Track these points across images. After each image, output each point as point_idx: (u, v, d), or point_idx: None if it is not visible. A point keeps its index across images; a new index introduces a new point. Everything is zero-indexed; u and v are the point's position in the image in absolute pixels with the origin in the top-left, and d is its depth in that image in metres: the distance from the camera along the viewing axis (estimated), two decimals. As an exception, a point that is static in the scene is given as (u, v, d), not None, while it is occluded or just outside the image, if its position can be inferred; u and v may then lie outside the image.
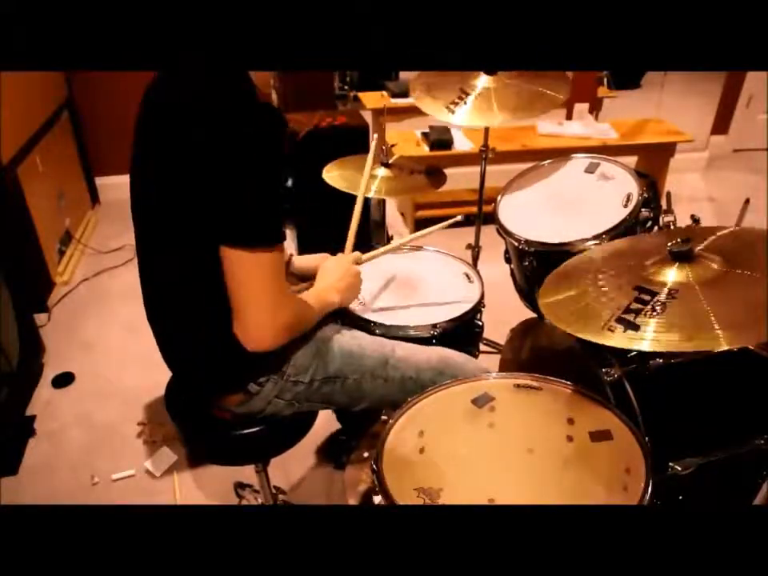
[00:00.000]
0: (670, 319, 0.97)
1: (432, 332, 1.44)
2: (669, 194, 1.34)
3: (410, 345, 1.35)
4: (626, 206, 1.51)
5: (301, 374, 1.23)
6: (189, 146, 0.98)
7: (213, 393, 1.23)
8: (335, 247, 1.57)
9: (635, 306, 1.02)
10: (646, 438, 1.02)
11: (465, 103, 1.80)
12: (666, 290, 1.02)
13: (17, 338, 2.20)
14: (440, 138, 3.01)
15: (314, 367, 1.24)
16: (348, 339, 1.30)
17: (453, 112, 1.79)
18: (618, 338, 0.98)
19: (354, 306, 1.51)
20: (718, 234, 1.14)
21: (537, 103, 1.78)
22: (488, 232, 1.94)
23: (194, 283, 1.09)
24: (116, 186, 3.58)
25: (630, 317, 1.00)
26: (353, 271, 1.38)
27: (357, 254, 1.45)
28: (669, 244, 1.06)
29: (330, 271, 1.35)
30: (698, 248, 1.07)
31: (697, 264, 1.05)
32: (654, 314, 0.99)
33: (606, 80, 3.46)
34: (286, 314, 1.08)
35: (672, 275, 1.04)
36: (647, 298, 1.02)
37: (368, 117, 3.03)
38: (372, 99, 3.37)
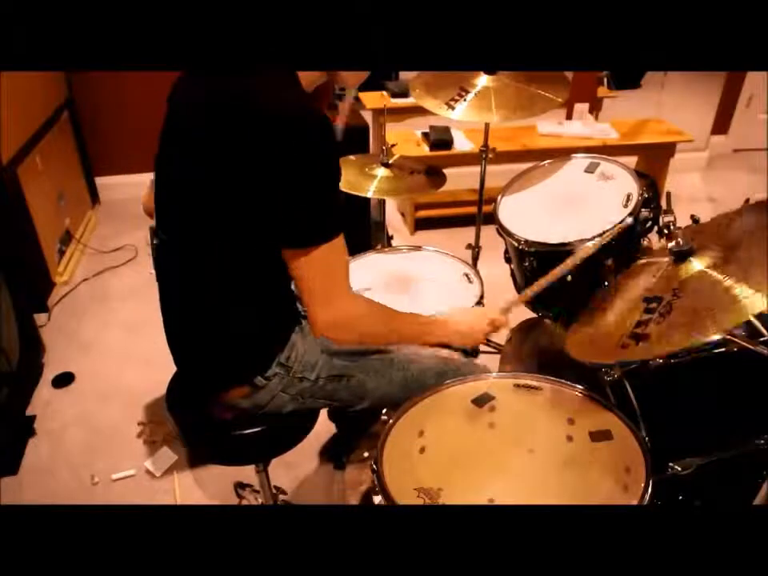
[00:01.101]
0: (675, 318, 0.97)
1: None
2: (669, 194, 1.34)
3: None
4: (625, 206, 1.51)
5: (307, 370, 1.23)
6: (241, 149, 0.99)
7: (220, 384, 1.23)
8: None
9: (645, 317, 1.03)
10: (646, 438, 1.02)
11: (464, 100, 1.80)
12: (670, 291, 1.03)
13: (17, 337, 2.19)
14: (440, 138, 3.01)
15: (321, 364, 1.25)
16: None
17: (452, 108, 1.79)
18: (634, 352, 1.00)
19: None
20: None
21: (536, 103, 1.78)
22: (488, 232, 1.94)
23: (210, 276, 1.12)
24: (116, 186, 3.58)
25: (640, 329, 1.01)
26: (481, 325, 1.32)
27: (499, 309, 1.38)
28: (669, 245, 1.06)
29: (464, 313, 1.36)
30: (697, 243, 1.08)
31: (698, 257, 1.05)
32: (662, 318, 0.99)
33: (606, 80, 3.45)
34: (338, 311, 1.09)
35: (676, 275, 1.05)
36: (654, 306, 1.03)
37: (368, 117, 3.04)
38: (372, 99, 3.37)
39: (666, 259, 1.08)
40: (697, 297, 0.99)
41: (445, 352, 1.35)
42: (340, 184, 1.06)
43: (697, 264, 1.05)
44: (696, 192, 3.79)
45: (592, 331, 1.16)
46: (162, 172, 1.16)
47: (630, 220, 1.42)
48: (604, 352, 1.07)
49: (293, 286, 1.19)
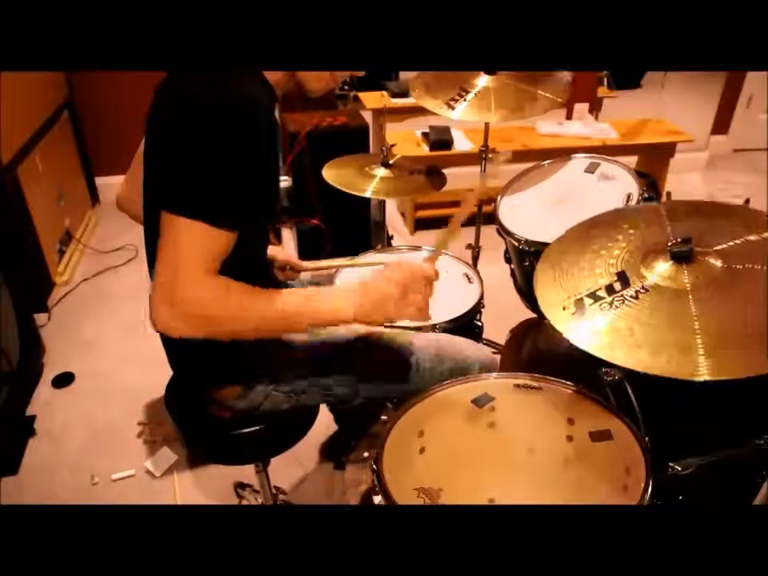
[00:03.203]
0: (613, 320, 0.98)
1: (432, 332, 1.44)
2: (669, 194, 1.34)
3: (408, 333, 1.35)
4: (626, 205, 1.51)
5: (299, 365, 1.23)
6: (172, 123, 0.99)
7: (211, 382, 1.23)
8: (335, 247, 1.57)
9: (601, 293, 1.03)
10: (646, 438, 1.02)
11: (464, 100, 1.80)
12: (639, 284, 1.03)
13: (17, 337, 2.19)
14: (440, 138, 3.00)
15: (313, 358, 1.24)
16: (347, 329, 1.30)
17: (452, 108, 1.79)
18: (561, 319, 1.00)
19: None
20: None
21: (536, 103, 1.78)
22: (488, 232, 1.94)
23: None
24: (116, 186, 3.53)
25: (589, 303, 1.02)
26: (406, 279, 1.06)
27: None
28: (669, 243, 1.06)
29: (381, 272, 1.09)
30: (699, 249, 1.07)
31: (694, 266, 1.04)
32: (608, 308, 1.00)
33: (606, 80, 3.45)
34: (181, 288, 0.95)
35: (658, 273, 1.05)
36: (618, 287, 1.03)
37: (368, 117, 3.03)
38: (372, 99, 3.36)
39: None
40: (650, 318, 0.98)
41: (442, 337, 1.35)
42: (244, 180, 0.99)
43: (684, 274, 1.03)
44: (696, 192, 3.78)
45: (564, 267, 1.15)
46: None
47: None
48: (551, 302, 1.06)
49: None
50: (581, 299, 1.03)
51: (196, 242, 0.96)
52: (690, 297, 0.99)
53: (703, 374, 0.87)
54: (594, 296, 1.03)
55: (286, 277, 1.51)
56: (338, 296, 1.09)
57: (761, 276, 1.00)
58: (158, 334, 1.21)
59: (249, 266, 1.06)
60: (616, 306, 1.00)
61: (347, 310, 1.05)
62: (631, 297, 1.01)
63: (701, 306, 0.97)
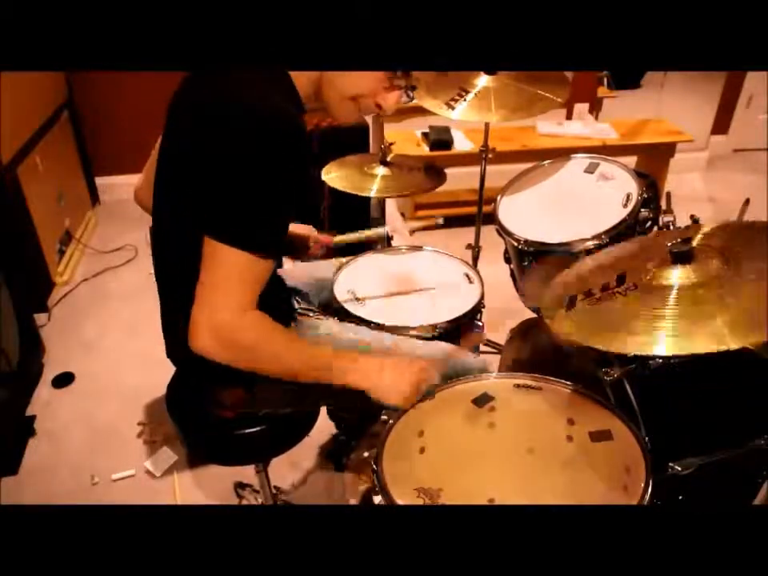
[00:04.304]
0: (592, 313, 1.01)
1: (432, 333, 1.44)
2: (669, 194, 1.34)
3: (411, 340, 1.35)
4: (625, 206, 1.51)
5: None
6: (200, 137, 1.00)
7: (214, 382, 1.22)
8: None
9: (595, 291, 1.05)
10: (646, 438, 1.02)
11: (464, 100, 1.80)
12: (632, 282, 1.04)
13: (17, 337, 2.20)
14: (440, 138, 3.00)
15: None
16: (350, 335, 1.30)
17: (452, 108, 1.79)
18: (554, 317, 1.04)
19: (353, 306, 1.51)
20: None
21: (536, 103, 1.78)
22: (488, 232, 1.94)
23: (192, 271, 1.07)
24: (116, 186, 3.58)
25: (581, 296, 1.05)
26: (413, 369, 1.13)
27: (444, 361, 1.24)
28: (669, 244, 1.06)
29: (395, 364, 1.15)
30: (696, 243, 1.07)
31: (695, 265, 1.04)
32: (593, 301, 1.03)
33: (606, 80, 3.45)
34: (222, 316, 0.98)
35: (664, 275, 1.04)
36: (614, 285, 1.05)
37: (368, 117, 3.03)
38: (372, 99, 3.36)
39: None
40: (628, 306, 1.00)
41: (445, 346, 1.35)
42: (287, 207, 1.01)
43: (678, 275, 1.02)
44: (696, 192, 3.79)
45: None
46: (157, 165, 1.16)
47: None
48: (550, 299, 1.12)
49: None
50: (571, 298, 1.05)
51: (243, 270, 0.98)
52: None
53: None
54: (588, 293, 1.05)
55: (313, 253, 1.50)
56: (360, 376, 1.12)
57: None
58: (159, 333, 1.22)
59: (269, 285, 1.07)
60: (599, 301, 1.03)
61: (364, 385, 1.11)
62: (617, 290, 1.02)
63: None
